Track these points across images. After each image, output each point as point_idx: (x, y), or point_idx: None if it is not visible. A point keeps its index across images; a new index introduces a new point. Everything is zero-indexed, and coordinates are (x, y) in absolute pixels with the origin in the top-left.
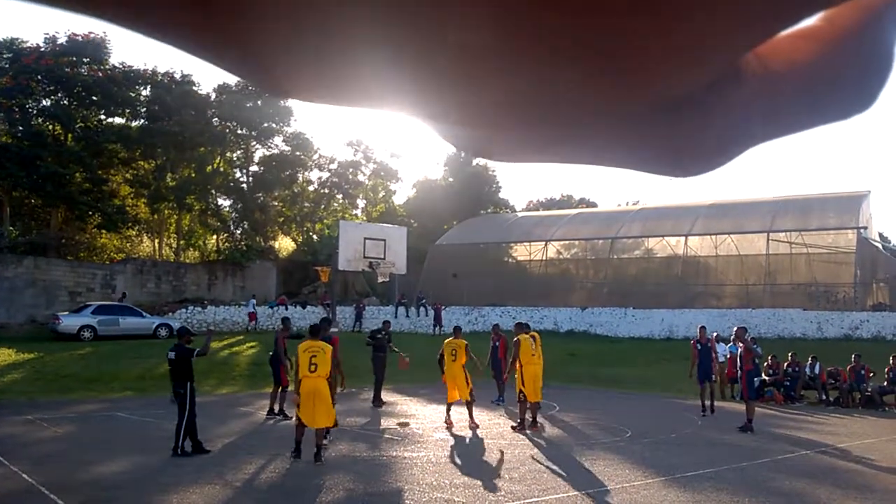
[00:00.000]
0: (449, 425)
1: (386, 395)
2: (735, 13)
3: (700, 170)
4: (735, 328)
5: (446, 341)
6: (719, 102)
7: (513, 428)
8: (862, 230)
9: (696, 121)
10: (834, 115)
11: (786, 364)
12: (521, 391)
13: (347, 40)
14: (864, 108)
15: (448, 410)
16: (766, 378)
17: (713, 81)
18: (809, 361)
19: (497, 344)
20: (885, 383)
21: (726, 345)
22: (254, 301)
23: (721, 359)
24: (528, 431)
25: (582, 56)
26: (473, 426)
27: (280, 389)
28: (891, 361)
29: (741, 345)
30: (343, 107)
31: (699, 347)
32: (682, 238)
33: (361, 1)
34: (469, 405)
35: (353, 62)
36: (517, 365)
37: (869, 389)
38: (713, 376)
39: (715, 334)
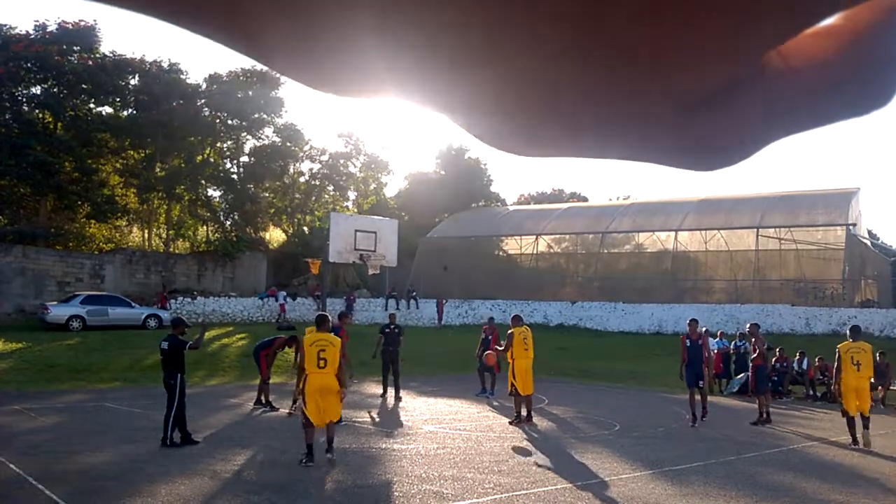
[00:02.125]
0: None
1: (374, 388)
2: (762, 13)
3: (722, 164)
4: (748, 325)
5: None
6: (742, 99)
7: (511, 422)
8: (851, 227)
9: (719, 116)
10: (852, 111)
11: (774, 359)
12: (512, 384)
13: (354, 27)
14: (882, 104)
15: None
16: None
17: (737, 78)
18: (797, 357)
19: (489, 337)
20: (872, 379)
21: (713, 339)
22: (284, 293)
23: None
24: (523, 425)
25: (610, 52)
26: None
27: (261, 381)
28: (877, 358)
29: (752, 339)
30: (351, 97)
31: (688, 344)
32: (673, 233)
33: None
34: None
35: (361, 49)
36: (509, 359)
37: None
38: (702, 380)
39: (704, 329)
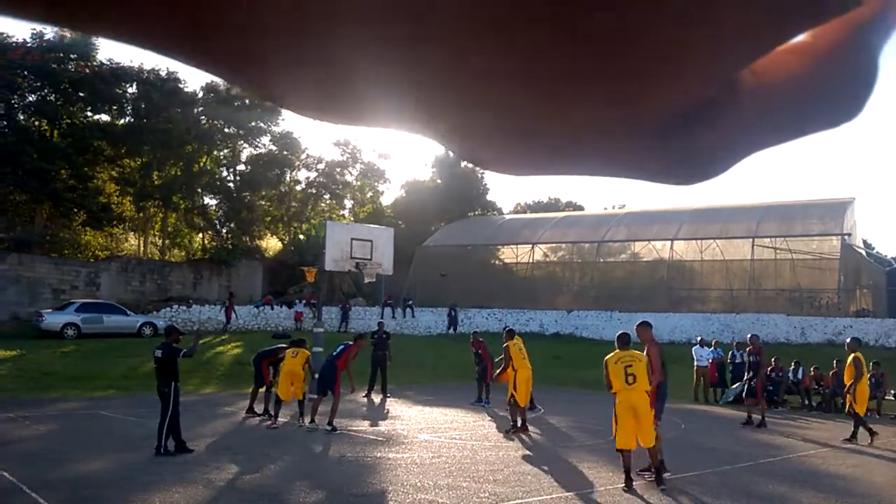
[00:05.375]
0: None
1: (373, 396)
2: (737, 32)
3: (698, 179)
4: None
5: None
6: (717, 115)
7: (507, 432)
8: (846, 237)
9: (695, 133)
10: (823, 124)
11: (769, 369)
12: (512, 395)
13: (347, 59)
14: (851, 117)
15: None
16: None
17: (712, 95)
18: (792, 366)
19: (480, 351)
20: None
21: (709, 348)
22: (303, 301)
23: (704, 363)
24: (519, 434)
25: (586, 72)
26: (302, 424)
27: (265, 389)
28: (871, 367)
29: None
30: (341, 125)
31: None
32: (668, 242)
33: (362, 22)
34: (301, 403)
35: (354, 82)
36: (510, 370)
37: None
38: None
39: (699, 338)
